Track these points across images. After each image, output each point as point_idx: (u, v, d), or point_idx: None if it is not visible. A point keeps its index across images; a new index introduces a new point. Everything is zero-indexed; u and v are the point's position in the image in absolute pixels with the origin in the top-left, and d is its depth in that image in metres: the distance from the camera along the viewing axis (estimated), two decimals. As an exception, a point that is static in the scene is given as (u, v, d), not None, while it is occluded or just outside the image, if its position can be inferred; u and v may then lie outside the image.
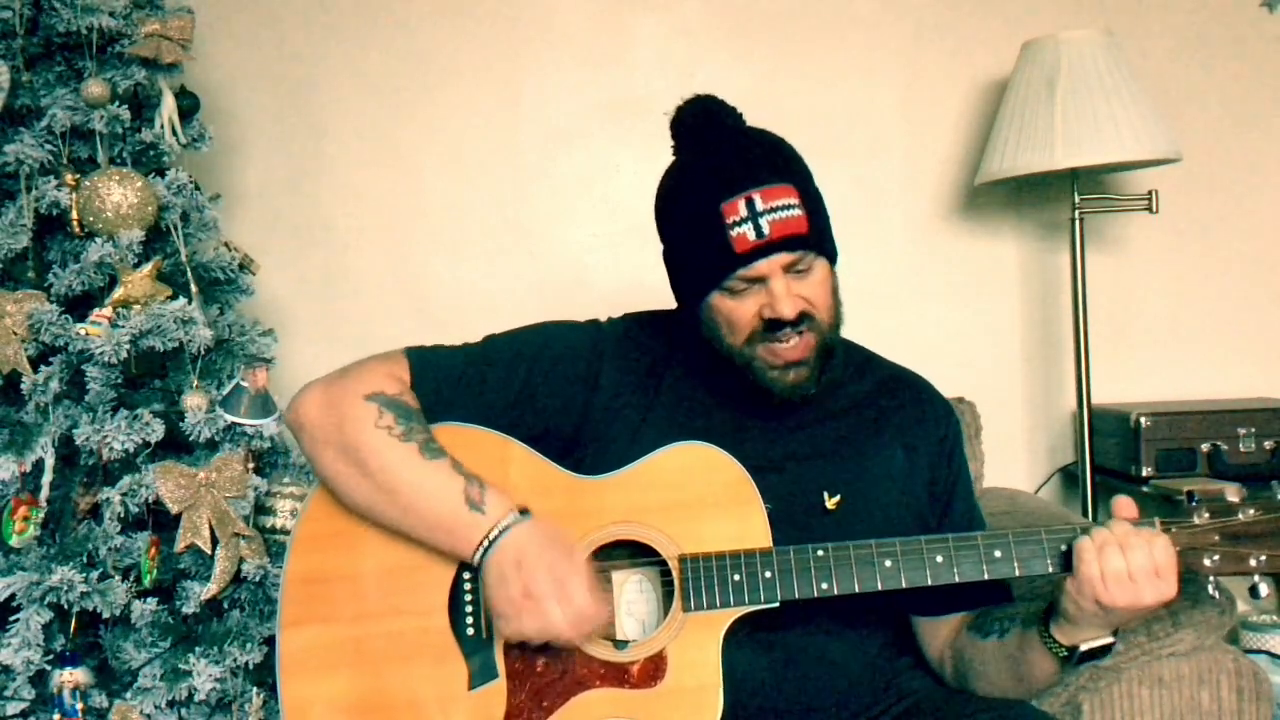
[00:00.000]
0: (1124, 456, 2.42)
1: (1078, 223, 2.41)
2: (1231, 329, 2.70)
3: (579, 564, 1.27)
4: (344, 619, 1.33)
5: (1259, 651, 2.42)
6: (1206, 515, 1.28)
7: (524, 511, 1.29)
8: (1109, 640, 1.28)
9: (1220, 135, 2.68)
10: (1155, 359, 2.69)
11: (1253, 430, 2.38)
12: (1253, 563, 1.26)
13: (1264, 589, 1.28)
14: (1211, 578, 1.28)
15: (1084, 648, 1.28)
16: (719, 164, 1.35)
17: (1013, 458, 2.67)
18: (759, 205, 1.31)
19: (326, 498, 1.37)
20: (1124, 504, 1.29)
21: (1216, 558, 1.27)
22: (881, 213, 2.65)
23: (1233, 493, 1.28)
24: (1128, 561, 1.21)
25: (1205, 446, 2.37)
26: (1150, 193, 2.39)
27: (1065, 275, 2.58)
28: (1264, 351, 2.70)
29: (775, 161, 1.37)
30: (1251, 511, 1.27)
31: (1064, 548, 1.28)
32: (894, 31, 2.65)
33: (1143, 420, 2.37)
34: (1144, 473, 2.37)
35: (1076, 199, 2.41)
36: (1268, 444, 2.37)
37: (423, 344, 1.45)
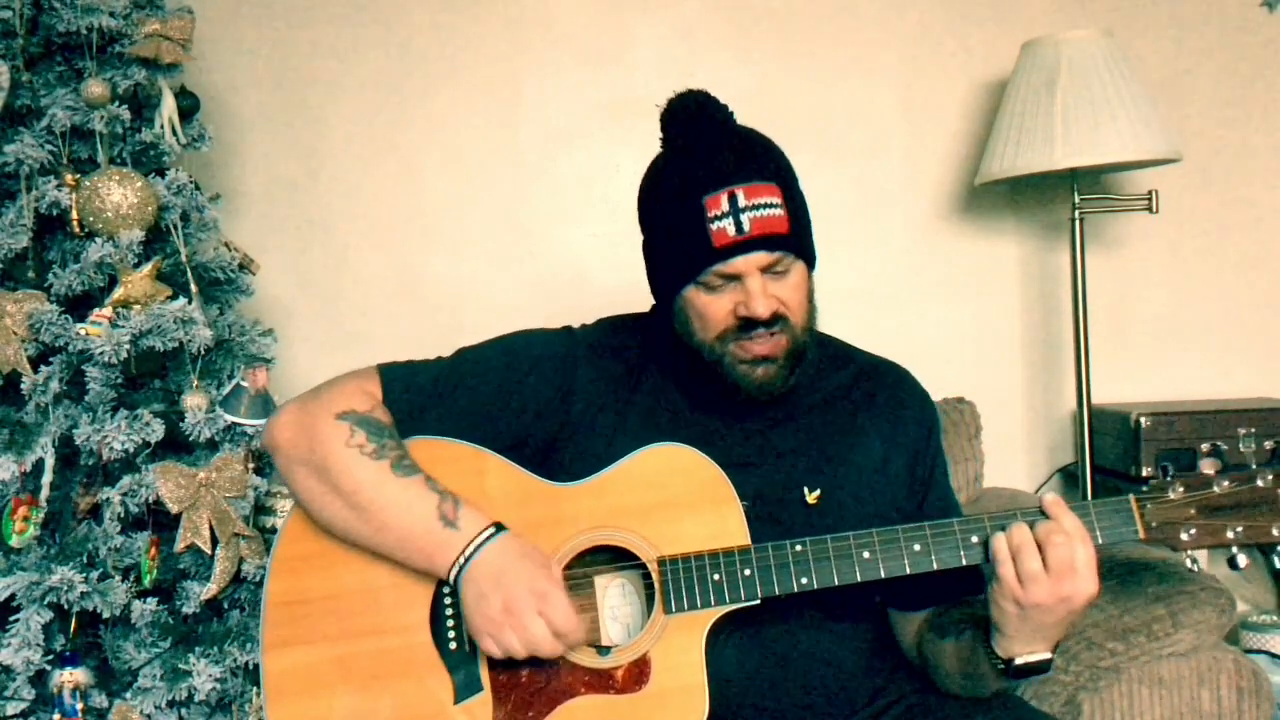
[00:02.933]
0: (1124, 456, 2.42)
1: (1078, 223, 2.41)
2: (1231, 329, 2.70)
3: (556, 577, 1.27)
4: (327, 639, 1.33)
5: (1259, 651, 2.42)
6: (1181, 490, 1.28)
7: (499, 527, 1.29)
8: (1046, 656, 1.27)
9: (1220, 135, 2.68)
10: (1155, 359, 2.69)
11: (1253, 430, 2.35)
12: (1230, 534, 1.27)
13: (1242, 560, 1.28)
14: (1190, 552, 1.29)
15: (1018, 661, 1.27)
16: (704, 158, 1.35)
17: (1013, 458, 2.67)
18: (741, 201, 1.31)
19: (304, 518, 1.37)
20: (1051, 503, 1.27)
21: (1194, 531, 1.27)
22: (881, 213, 2.65)
23: (1208, 466, 1.29)
24: (1045, 558, 1.21)
25: (1205, 446, 2.35)
26: (1150, 193, 2.39)
27: (1065, 275, 2.58)
28: (1264, 351, 2.70)
29: (761, 160, 1.36)
30: (1226, 484, 1.28)
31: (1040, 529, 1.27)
32: (894, 31, 2.65)
33: (1143, 420, 2.37)
34: (1144, 473, 2.37)
35: (1076, 199, 2.41)
36: (1268, 444, 2.37)
37: (395, 360, 1.44)
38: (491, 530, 1.28)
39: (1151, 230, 2.65)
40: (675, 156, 1.39)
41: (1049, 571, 1.21)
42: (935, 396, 1.55)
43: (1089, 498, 2.40)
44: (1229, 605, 1.75)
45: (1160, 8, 2.67)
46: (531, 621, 1.24)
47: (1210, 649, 1.74)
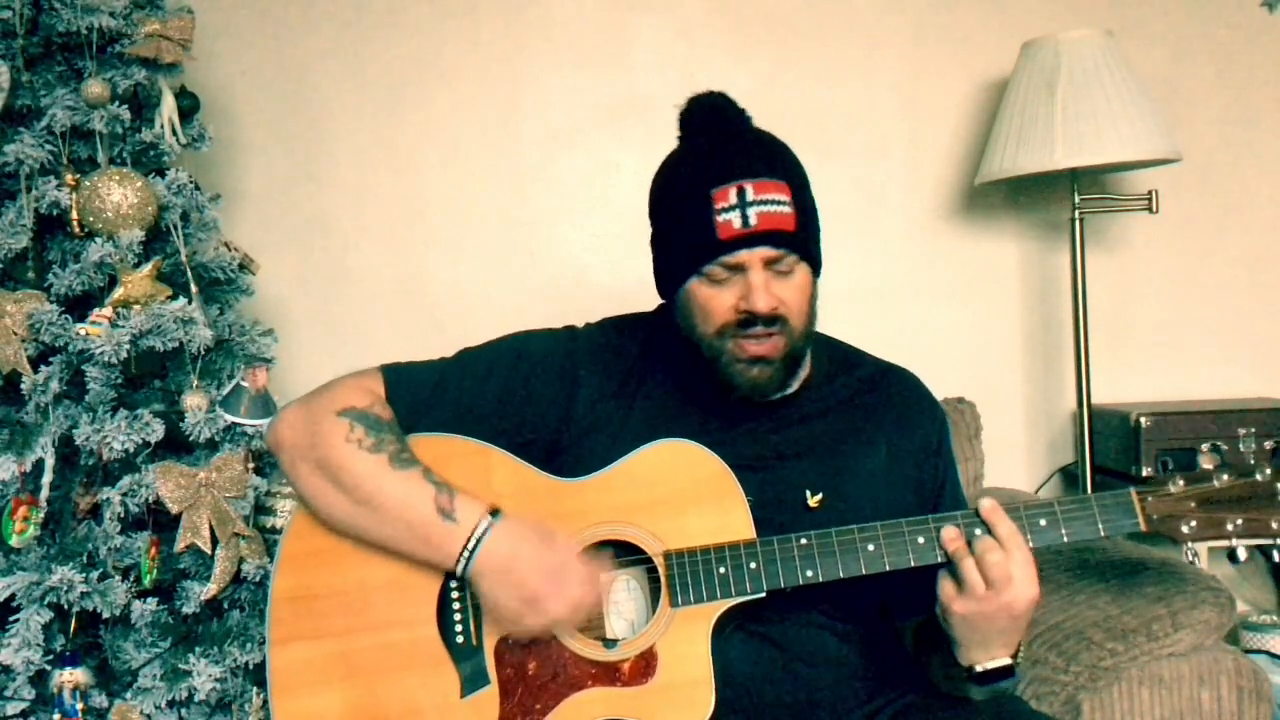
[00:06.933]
0: (1124, 456, 2.42)
1: (1078, 223, 2.41)
2: (1231, 329, 2.70)
3: (563, 548, 1.29)
4: (333, 634, 1.33)
5: (1259, 651, 2.42)
6: (1182, 483, 1.29)
7: (494, 513, 1.29)
8: (1006, 662, 1.28)
9: (1220, 135, 2.68)
10: (1155, 359, 2.69)
11: (1253, 430, 2.37)
12: (1229, 527, 1.28)
13: (1242, 553, 1.29)
14: (1190, 545, 1.29)
15: (979, 669, 1.28)
16: (716, 154, 1.36)
17: (1013, 458, 2.67)
18: (749, 195, 1.32)
19: (309, 515, 1.37)
20: (989, 510, 1.27)
21: (1194, 524, 1.28)
22: (881, 213, 2.65)
23: (1208, 460, 1.30)
24: (984, 573, 1.23)
25: (1205, 446, 2.37)
26: (1150, 193, 2.40)
27: (1065, 275, 2.58)
28: (1264, 351, 2.70)
29: (772, 159, 1.37)
30: (1226, 477, 1.28)
31: (1043, 522, 1.29)
32: (894, 31, 2.65)
33: (1143, 420, 2.37)
34: (1144, 473, 2.37)
35: (1076, 199, 2.41)
36: (1268, 444, 2.37)
37: (397, 361, 1.45)
38: (489, 519, 1.28)
39: (1151, 230, 2.65)
40: (688, 153, 1.41)
41: (989, 585, 1.23)
42: (935, 396, 1.55)
43: (1089, 498, 2.40)
44: (1229, 605, 1.75)
45: (1160, 8, 2.67)
46: (550, 604, 1.26)
47: (1210, 649, 1.74)
